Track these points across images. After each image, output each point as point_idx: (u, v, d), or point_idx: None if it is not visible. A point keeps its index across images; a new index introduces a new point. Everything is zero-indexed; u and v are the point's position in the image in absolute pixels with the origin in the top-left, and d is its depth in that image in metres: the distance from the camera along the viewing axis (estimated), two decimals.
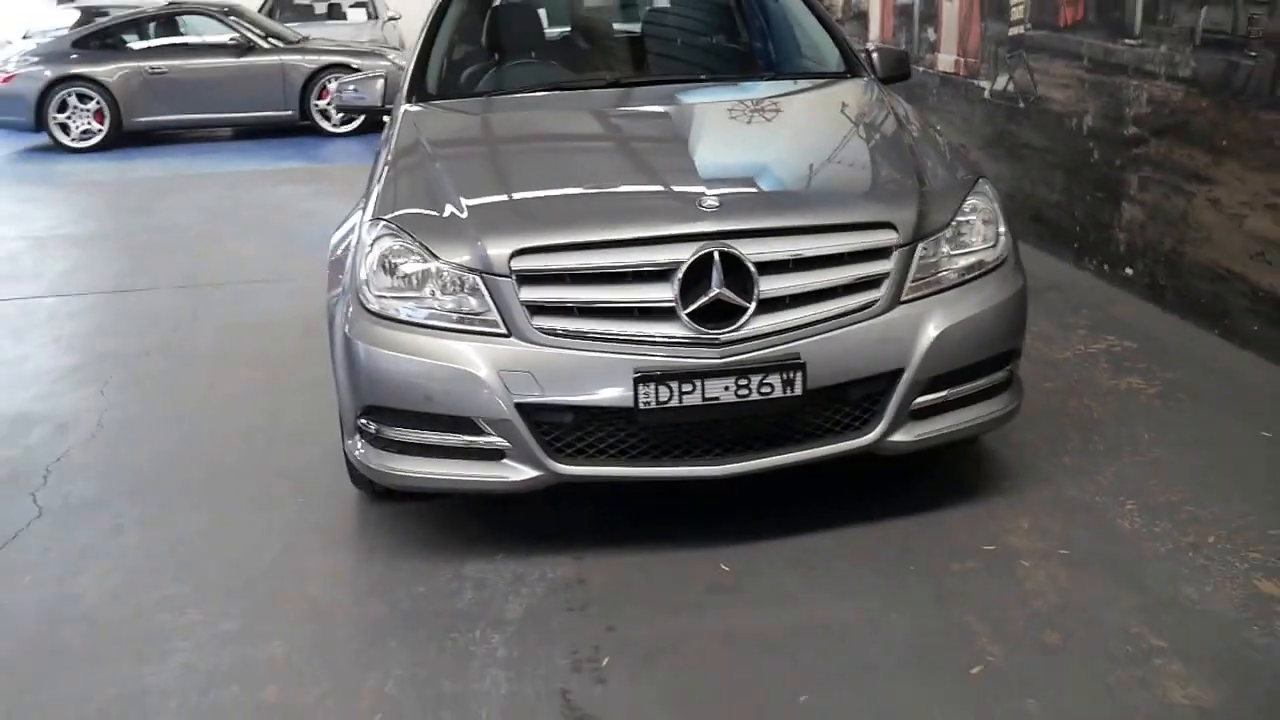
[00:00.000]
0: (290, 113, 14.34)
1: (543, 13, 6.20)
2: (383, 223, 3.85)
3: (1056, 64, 6.99)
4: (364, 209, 4.08)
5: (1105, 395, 5.00)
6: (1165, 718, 2.97)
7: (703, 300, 3.54)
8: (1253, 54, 5.25)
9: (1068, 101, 6.88)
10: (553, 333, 3.59)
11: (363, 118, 13.87)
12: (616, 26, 6.33)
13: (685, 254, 3.56)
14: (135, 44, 14.71)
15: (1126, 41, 6.24)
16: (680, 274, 3.54)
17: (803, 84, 5.23)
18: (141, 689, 3.27)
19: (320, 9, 19.96)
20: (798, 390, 3.58)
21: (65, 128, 13.95)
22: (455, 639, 3.42)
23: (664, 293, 3.56)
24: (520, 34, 5.94)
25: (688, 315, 3.55)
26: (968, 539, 3.85)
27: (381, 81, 5.36)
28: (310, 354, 5.47)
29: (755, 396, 3.57)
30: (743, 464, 3.68)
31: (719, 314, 3.56)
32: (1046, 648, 3.28)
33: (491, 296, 3.62)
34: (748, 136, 4.67)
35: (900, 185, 4.01)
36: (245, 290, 7.31)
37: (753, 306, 3.57)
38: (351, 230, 4.10)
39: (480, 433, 3.62)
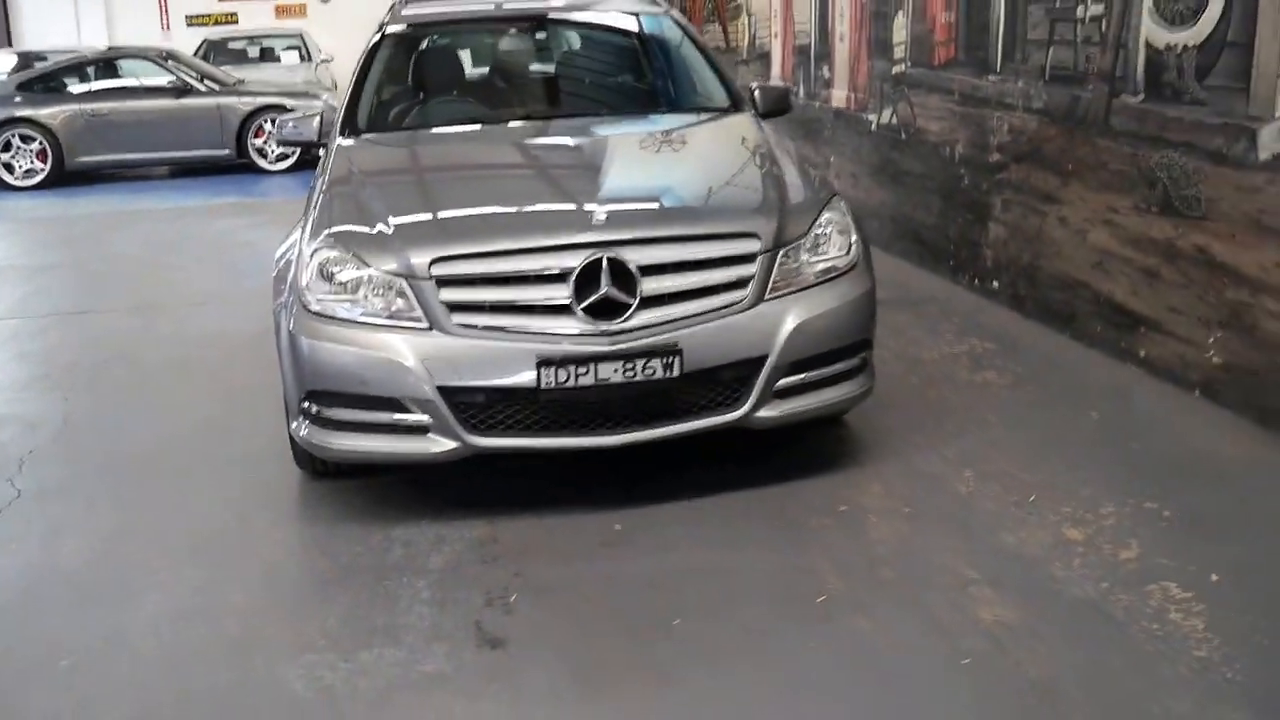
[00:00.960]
0: (227, 151, 14.82)
1: (465, 54, 6.88)
2: (321, 237, 4.47)
3: (933, 98, 7.70)
4: (303, 228, 4.70)
5: (962, 387, 5.69)
6: (973, 630, 3.61)
7: (593, 298, 4.19)
8: (1090, 88, 5.99)
9: (942, 132, 7.59)
10: (468, 327, 4.23)
11: (297, 155, 14.51)
12: (532, 67, 6.95)
13: (578, 260, 4.21)
14: (77, 87, 15.11)
15: (990, 78, 6.96)
16: (574, 276, 4.20)
17: (692, 118, 5.94)
18: (121, 628, 3.85)
19: (253, 53, 20.39)
20: (676, 373, 4.25)
21: (9, 167, 14.34)
22: (387, 585, 4.03)
23: (561, 292, 4.21)
24: (444, 74, 6.58)
25: (581, 310, 4.20)
26: (826, 501, 4.50)
27: (318, 118, 5.98)
28: (252, 364, 6.09)
29: (640, 378, 4.22)
30: (631, 435, 4.32)
31: (608, 309, 4.21)
32: (881, 581, 3.94)
33: (416, 297, 4.25)
34: (639, 162, 5.35)
35: (764, 201, 4.71)
36: (191, 312, 7.86)
37: (636, 302, 4.23)
38: (291, 247, 4.73)
39: (407, 411, 4.24)
